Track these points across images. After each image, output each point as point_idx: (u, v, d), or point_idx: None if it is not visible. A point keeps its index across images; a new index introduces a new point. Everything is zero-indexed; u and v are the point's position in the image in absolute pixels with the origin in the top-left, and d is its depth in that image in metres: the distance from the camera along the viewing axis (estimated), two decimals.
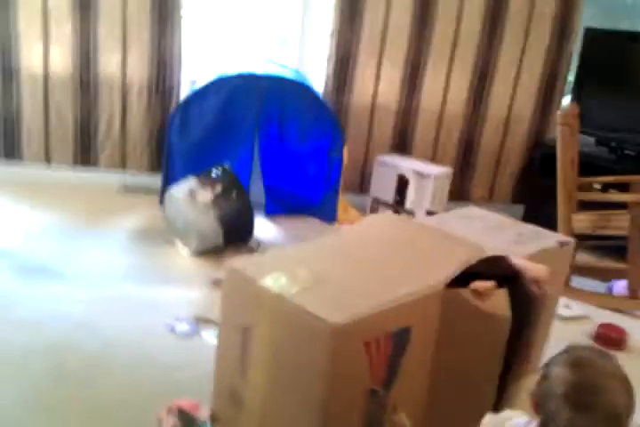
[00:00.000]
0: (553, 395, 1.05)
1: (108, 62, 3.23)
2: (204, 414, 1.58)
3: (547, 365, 1.11)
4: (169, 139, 3.04)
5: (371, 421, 1.38)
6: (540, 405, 1.09)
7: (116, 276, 2.40)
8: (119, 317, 2.10)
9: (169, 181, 2.99)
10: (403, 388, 1.41)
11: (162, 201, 2.93)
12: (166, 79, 3.28)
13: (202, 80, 3.12)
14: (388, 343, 1.32)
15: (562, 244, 1.90)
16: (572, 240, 1.96)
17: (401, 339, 1.35)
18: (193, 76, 3.37)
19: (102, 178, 3.41)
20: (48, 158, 3.36)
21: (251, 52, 3.53)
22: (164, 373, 1.80)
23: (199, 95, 2.99)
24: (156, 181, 3.21)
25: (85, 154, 3.38)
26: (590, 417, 1.02)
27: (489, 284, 1.47)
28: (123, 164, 3.42)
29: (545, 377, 1.09)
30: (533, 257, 1.75)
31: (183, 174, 2.85)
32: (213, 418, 1.56)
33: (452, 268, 1.49)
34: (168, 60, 3.25)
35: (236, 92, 2.95)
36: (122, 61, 3.23)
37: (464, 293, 1.45)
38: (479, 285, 1.46)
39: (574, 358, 1.08)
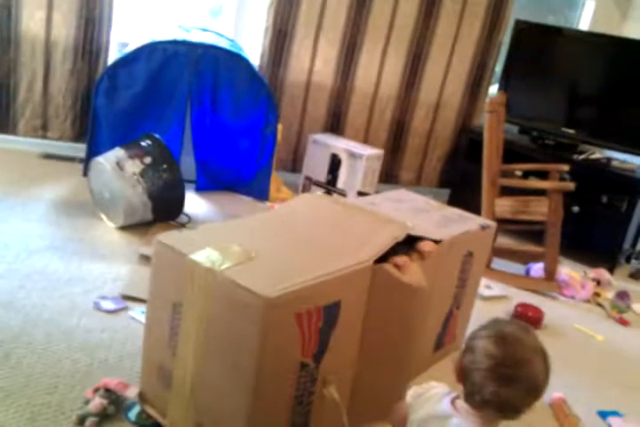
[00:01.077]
0: (478, 368, 1.10)
1: (31, 19, 3.02)
2: (132, 392, 1.56)
3: (471, 338, 1.16)
4: (95, 105, 2.89)
5: (301, 394, 1.40)
6: (464, 376, 1.14)
7: (36, 249, 2.29)
8: (40, 293, 2.00)
9: (94, 150, 2.87)
10: (333, 361, 1.44)
11: (86, 172, 2.82)
12: (94, 40, 3.12)
13: (133, 43, 3.00)
14: (319, 317, 1.34)
15: (484, 227, 1.98)
16: (493, 223, 2.05)
17: (331, 313, 1.38)
18: (123, 38, 3.23)
19: (22, 145, 3.24)
20: None
21: (185, 17, 3.42)
22: (90, 352, 1.75)
23: (129, 60, 2.85)
24: (80, 150, 3.08)
25: (3, 119, 3.17)
26: (514, 389, 1.08)
27: (405, 258, 1.54)
28: (44, 130, 3.25)
29: (470, 350, 1.14)
30: (457, 239, 1.82)
31: (110, 144, 2.74)
32: (142, 397, 1.54)
33: (381, 244, 1.53)
34: (97, 19, 3.08)
35: (168, 58, 2.84)
36: (46, 18, 3.04)
37: (388, 267, 1.50)
38: (397, 259, 1.52)
39: (498, 332, 1.13)
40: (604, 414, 1.90)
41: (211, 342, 1.34)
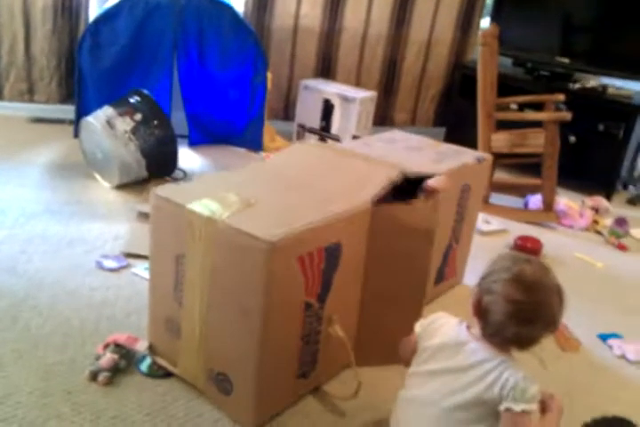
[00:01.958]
0: (499, 311, 1.13)
1: None
2: (142, 346, 1.58)
3: (491, 279, 1.16)
4: (79, 65, 2.83)
5: (308, 334, 1.43)
6: (482, 313, 1.16)
7: (34, 213, 2.29)
8: (41, 256, 2.01)
9: (83, 111, 2.82)
10: (337, 301, 1.46)
11: (77, 133, 2.79)
12: None
13: None
14: (321, 259, 1.36)
15: (479, 160, 1.97)
16: (489, 156, 2.04)
17: (333, 254, 1.39)
18: None
19: (9, 111, 3.20)
20: None
21: None
22: (97, 310, 1.77)
23: (110, 15, 2.78)
24: (69, 111, 3.04)
25: None
26: (533, 328, 1.13)
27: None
28: (30, 94, 3.20)
29: (489, 292, 1.15)
30: (453, 172, 1.82)
31: (98, 103, 2.69)
32: (152, 349, 1.57)
33: (378, 186, 1.53)
34: None
35: (150, 11, 2.76)
36: None
37: (391, 208, 1.50)
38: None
39: (519, 276, 1.13)
40: (604, 337, 1.94)
41: (216, 289, 1.36)
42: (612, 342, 1.91)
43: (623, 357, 1.86)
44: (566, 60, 3.31)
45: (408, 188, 1.60)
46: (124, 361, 1.54)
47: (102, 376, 1.48)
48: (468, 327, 1.22)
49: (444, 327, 1.25)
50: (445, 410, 1.17)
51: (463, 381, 1.15)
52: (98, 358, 1.54)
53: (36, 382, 1.47)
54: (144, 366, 1.55)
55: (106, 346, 1.57)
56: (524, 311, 1.11)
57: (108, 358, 1.52)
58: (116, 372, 1.51)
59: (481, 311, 1.16)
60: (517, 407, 1.09)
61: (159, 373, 1.54)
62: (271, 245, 1.23)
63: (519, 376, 1.11)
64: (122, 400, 1.44)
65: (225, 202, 1.37)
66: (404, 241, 1.52)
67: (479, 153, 2.07)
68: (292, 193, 1.50)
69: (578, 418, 1.39)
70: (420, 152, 1.96)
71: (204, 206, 1.35)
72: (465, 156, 1.97)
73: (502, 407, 1.10)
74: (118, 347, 1.56)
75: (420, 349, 1.27)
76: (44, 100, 3.22)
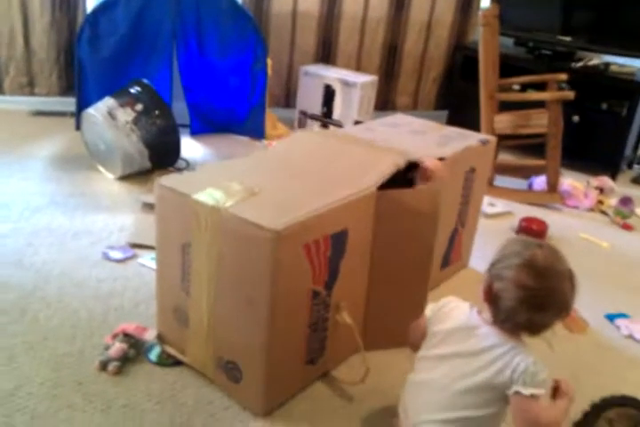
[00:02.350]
0: (510, 298, 1.12)
1: None
2: (150, 335, 1.59)
3: (501, 265, 1.15)
4: (79, 56, 2.82)
5: (315, 321, 1.44)
6: (492, 299, 1.16)
7: (38, 206, 2.30)
8: (48, 249, 2.02)
9: (84, 102, 2.82)
10: (344, 288, 1.46)
11: (79, 125, 2.78)
12: None
13: None
14: (327, 246, 1.36)
15: (483, 142, 1.96)
16: (493, 138, 2.03)
17: (339, 241, 1.39)
18: None
19: (10, 104, 3.20)
20: None
21: None
22: (104, 301, 1.78)
23: (108, 5, 2.76)
24: (70, 104, 3.03)
25: None
26: (545, 314, 1.13)
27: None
28: (31, 87, 3.19)
29: (500, 278, 1.14)
30: (458, 155, 1.81)
31: (99, 94, 2.69)
32: (161, 338, 1.58)
33: (383, 171, 1.53)
34: None
35: (148, 0, 2.75)
36: None
37: (396, 193, 1.49)
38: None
39: (530, 262, 1.12)
40: (611, 317, 1.94)
41: (223, 278, 1.36)
42: (619, 322, 1.92)
43: (631, 336, 1.86)
44: (568, 39, 3.28)
45: (402, 174, 1.59)
46: (133, 350, 1.55)
47: (112, 366, 1.50)
48: (479, 312, 1.22)
49: (455, 312, 1.25)
50: (455, 394, 1.17)
51: (474, 365, 1.16)
52: (107, 347, 1.55)
53: (46, 373, 1.48)
54: (153, 355, 1.56)
55: (114, 336, 1.58)
56: (535, 297, 1.11)
57: (117, 347, 1.53)
58: (125, 361, 1.53)
59: (492, 297, 1.16)
60: (526, 391, 1.10)
61: (168, 361, 1.55)
62: (276, 233, 1.22)
63: (529, 361, 1.11)
64: (132, 389, 1.46)
65: (229, 191, 1.37)
66: (408, 225, 1.52)
67: (483, 135, 2.06)
68: (296, 181, 1.50)
69: (586, 398, 1.39)
70: (423, 136, 1.95)
71: (208, 196, 1.35)
72: (469, 138, 1.96)
73: (511, 391, 1.11)
74: (127, 336, 1.57)
75: (430, 333, 1.27)
76: (44, 92, 3.21)
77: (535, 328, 1.15)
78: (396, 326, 1.61)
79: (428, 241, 1.58)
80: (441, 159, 1.71)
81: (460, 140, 1.94)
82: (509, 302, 1.12)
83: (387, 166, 1.55)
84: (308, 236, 1.30)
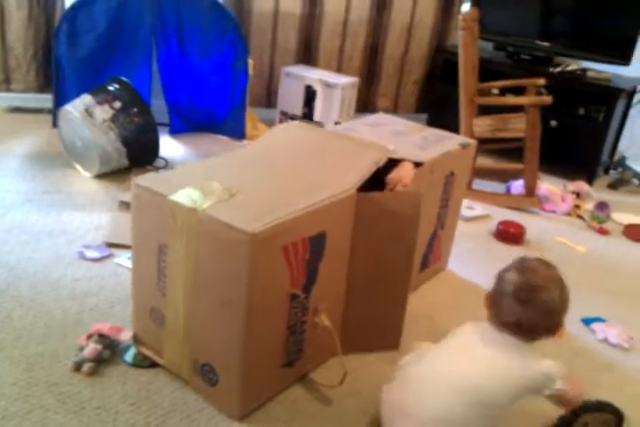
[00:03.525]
0: (504, 293, 1.28)
1: None
2: (126, 336, 1.57)
3: (503, 271, 1.33)
4: (56, 52, 2.78)
5: (294, 324, 1.43)
6: (494, 302, 1.31)
7: (13, 204, 2.26)
8: (23, 247, 1.99)
9: (61, 99, 2.78)
10: (323, 291, 1.46)
11: (55, 122, 2.74)
12: None
13: None
14: (306, 248, 1.35)
15: (463, 145, 1.97)
16: (473, 141, 2.04)
17: (317, 243, 1.38)
18: None
19: None
20: None
21: None
22: (79, 300, 1.75)
23: (87, 1, 2.73)
24: (47, 100, 2.98)
25: None
26: (530, 310, 1.24)
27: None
28: (7, 83, 3.13)
29: (500, 280, 1.31)
30: (438, 160, 1.82)
31: (76, 92, 2.65)
32: (136, 339, 1.57)
33: (362, 171, 1.52)
34: None
35: None
36: None
37: (375, 195, 1.49)
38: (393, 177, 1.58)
39: (523, 265, 1.30)
40: (587, 321, 1.96)
41: (199, 280, 1.35)
42: (595, 326, 1.93)
43: (606, 340, 1.88)
44: (546, 44, 3.31)
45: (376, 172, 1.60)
46: (108, 351, 1.53)
47: (86, 367, 1.47)
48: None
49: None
50: (462, 388, 1.24)
51: (481, 367, 1.25)
52: (81, 348, 1.53)
53: (19, 373, 1.46)
54: (128, 356, 1.54)
55: (89, 336, 1.56)
56: (520, 291, 1.24)
57: (92, 348, 1.51)
58: (100, 362, 1.50)
59: (493, 300, 1.30)
60: (554, 389, 1.28)
61: (144, 363, 1.53)
62: (253, 236, 1.21)
63: (537, 369, 1.26)
64: (106, 390, 1.44)
65: (207, 191, 1.35)
66: (389, 227, 1.52)
67: (463, 138, 2.07)
68: (276, 180, 1.49)
69: None
70: (405, 137, 1.94)
71: (185, 196, 1.33)
72: (449, 141, 1.97)
73: (545, 396, 1.29)
74: (102, 337, 1.55)
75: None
76: (21, 89, 3.15)
77: (521, 327, 1.25)
78: (375, 329, 1.62)
79: (409, 244, 1.58)
80: (418, 164, 1.70)
81: (441, 143, 1.94)
82: (502, 299, 1.27)
83: (366, 165, 1.55)
84: (286, 238, 1.29)
